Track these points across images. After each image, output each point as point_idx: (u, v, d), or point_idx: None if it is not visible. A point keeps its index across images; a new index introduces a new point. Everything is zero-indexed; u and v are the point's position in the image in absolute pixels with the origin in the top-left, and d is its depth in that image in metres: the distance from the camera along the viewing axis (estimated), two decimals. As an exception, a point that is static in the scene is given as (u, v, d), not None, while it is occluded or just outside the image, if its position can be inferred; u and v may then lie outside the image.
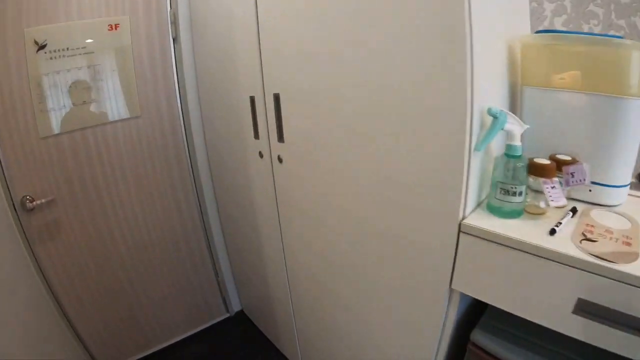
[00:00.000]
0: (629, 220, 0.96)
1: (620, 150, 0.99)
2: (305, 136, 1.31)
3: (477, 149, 0.92)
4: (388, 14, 0.92)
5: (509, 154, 0.94)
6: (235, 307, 2.60)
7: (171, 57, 1.99)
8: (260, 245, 1.87)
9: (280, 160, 1.44)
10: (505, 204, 0.95)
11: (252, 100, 1.50)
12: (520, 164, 0.93)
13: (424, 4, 0.84)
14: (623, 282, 0.73)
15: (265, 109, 1.45)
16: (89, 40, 1.79)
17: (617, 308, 0.75)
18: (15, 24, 1.62)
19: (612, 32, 1.38)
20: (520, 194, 0.93)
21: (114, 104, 1.87)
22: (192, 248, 2.30)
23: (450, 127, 0.88)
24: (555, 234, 0.87)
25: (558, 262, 0.80)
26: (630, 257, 0.79)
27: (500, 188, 0.94)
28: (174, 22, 1.94)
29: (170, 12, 1.93)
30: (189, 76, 2.03)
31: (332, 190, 1.27)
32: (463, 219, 0.94)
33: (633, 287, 0.72)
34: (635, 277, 0.72)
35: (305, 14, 1.16)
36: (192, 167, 2.18)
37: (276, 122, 1.39)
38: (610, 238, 0.87)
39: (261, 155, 1.55)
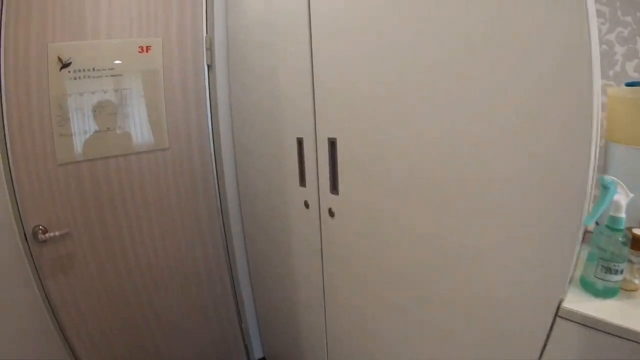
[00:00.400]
0: None
1: None
2: (367, 191, 1.14)
3: (586, 222, 0.78)
4: (490, 65, 0.78)
5: (614, 227, 0.81)
6: (257, 353, 2.38)
7: (204, 86, 1.85)
8: (296, 292, 1.70)
9: (331, 214, 1.27)
10: (604, 282, 0.82)
11: (300, 142, 1.35)
12: (623, 238, 0.81)
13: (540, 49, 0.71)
14: None
15: (317, 154, 1.29)
16: (117, 62, 1.65)
17: None
18: (39, 37, 1.50)
19: None
20: (622, 271, 0.81)
21: (140, 133, 1.73)
22: (214, 289, 2.11)
23: (566, 195, 0.74)
24: None
25: None
26: None
27: (602, 265, 0.81)
28: (210, 49, 1.81)
29: (206, 37, 1.80)
30: (223, 108, 1.87)
31: (397, 255, 1.10)
32: (561, 301, 0.79)
33: None
34: None
35: (380, 47, 1.01)
36: (221, 206, 2.01)
37: (330, 171, 1.23)
38: None
39: (307, 205, 1.38)
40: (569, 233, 0.76)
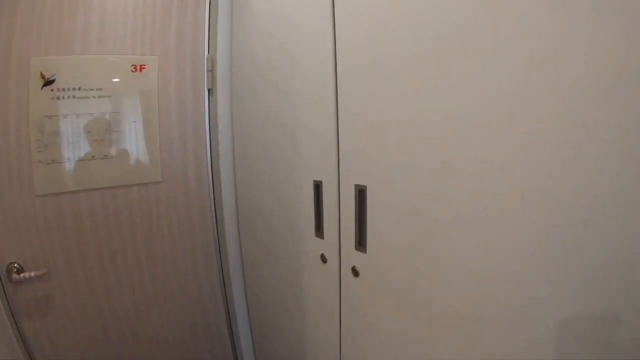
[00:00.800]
0: None
1: None
2: (404, 254, 0.94)
3: None
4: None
5: None
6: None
7: (204, 113, 1.65)
8: (305, 356, 1.46)
9: (355, 273, 1.07)
10: None
11: (318, 187, 1.17)
12: None
13: None
14: None
15: (339, 202, 1.10)
16: (107, 81, 1.47)
17: None
18: (20, 49, 1.32)
19: None
20: None
21: (130, 163, 1.53)
22: (212, 346, 1.86)
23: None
24: None
25: None
26: None
27: None
28: (212, 70, 1.62)
29: (207, 57, 1.62)
30: (225, 139, 1.67)
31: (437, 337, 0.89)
32: None
33: None
34: None
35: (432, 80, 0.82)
36: (220, 256, 1.78)
37: (356, 225, 1.04)
38: None
39: (324, 259, 1.19)
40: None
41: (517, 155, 0.68)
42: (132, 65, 1.50)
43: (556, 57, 0.61)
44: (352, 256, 1.09)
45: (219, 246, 1.76)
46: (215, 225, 1.74)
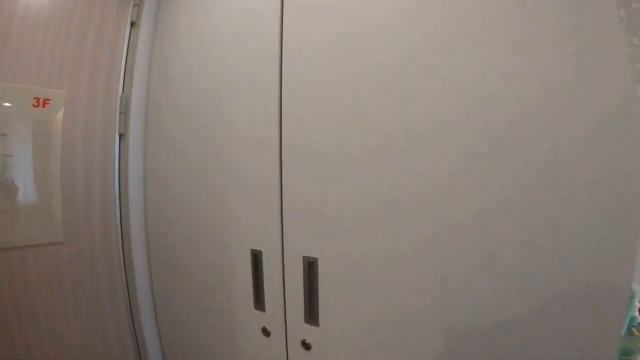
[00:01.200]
0: None
1: None
2: (363, 327, 0.91)
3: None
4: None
5: (632, 324, 0.90)
6: None
7: (114, 160, 1.45)
8: None
9: (307, 346, 1.00)
10: None
11: (257, 258, 1.09)
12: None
13: None
14: None
15: (283, 274, 1.03)
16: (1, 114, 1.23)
17: None
18: None
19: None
20: None
21: (25, 219, 1.27)
22: None
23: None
24: None
25: None
26: None
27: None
28: (124, 113, 1.44)
29: (121, 97, 1.45)
30: (135, 189, 1.46)
31: None
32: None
33: None
34: None
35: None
36: (133, 318, 1.50)
37: (305, 297, 0.98)
38: None
39: (266, 333, 1.10)
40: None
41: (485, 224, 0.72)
42: (35, 98, 1.27)
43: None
44: (302, 330, 1.02)
45: (130, 304, 1.50)
46: (125, 283, 1.49)
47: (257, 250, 1.09)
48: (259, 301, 1.10)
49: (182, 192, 1.33)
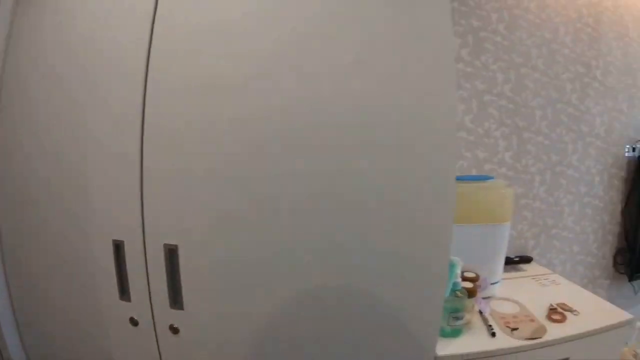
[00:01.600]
0: (515, 303, 1.38)
1: (498, 258, 1.40)
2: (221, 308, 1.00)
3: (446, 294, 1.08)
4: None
5: (454, 289, 1.13)
6: None
7: None
8: None
9: (175, 330, 1.03)
10: (454, 327, 1.14)
11: (119, 248, 1.05)
12: (463, 294, 1.14)
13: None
14: (545, 347, 1.14)
15: (146, 262, 1.03)
16: None
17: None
18: None
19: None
20: (464, 316, 1.15)
21: None
22: None
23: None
24: (496, 335, 1.15)
25: (513, 354, 1.10)
26: (542, 330, 1.19)
27: (452, 316, 1.12)
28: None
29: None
30: None
31: None
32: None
33: (552, 346, 1.15)
34: (553, 340, 1.16)
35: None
36: None
37: (168, 283, 1.00)
38: (522, 321, 1.23)
39: (134, 322, 1.09)
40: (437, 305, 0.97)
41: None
42: None
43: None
44: (169, 315, 1.04)
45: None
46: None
47: (119, 241, 1.06)
48: (124, 292, 1.09)
49: (37, 179, 1.19)
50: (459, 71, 1.69)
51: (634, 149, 2.37)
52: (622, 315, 1.35)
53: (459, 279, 1.16)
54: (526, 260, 1.93)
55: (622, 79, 2.38)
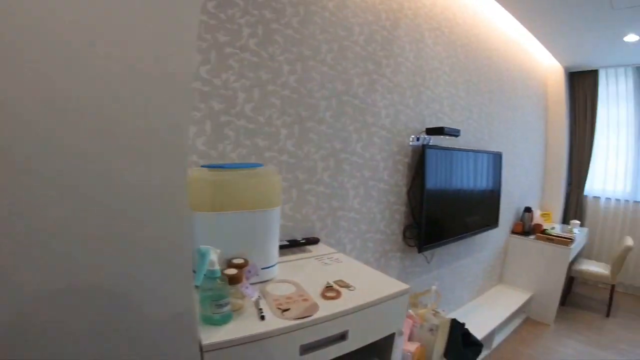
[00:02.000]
0: (292, 284, 1.42)
1: (270, 242, 1.44)
2: None
3: (197, 283, 1.09)
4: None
5: (213, 276, 1.12)
6: None
7: None
8: None
9: None
10: (220, 314, 1.12)
11: None
12: (222, 281, 1.14)
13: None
14: (318, 324, 1.19)
15: None
16: None
17: (321, 337, 1.21)
18: None
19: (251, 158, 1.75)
20: (228, 302, 1.14)
21: None
22: None
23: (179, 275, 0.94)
24: (266, 318, 1.16)
25: (284, 334, 1.13)
26: (314, 308, 1.24)
27: (215, 304, 1.11)
28: None
29: None
30: None
31: None
32: (201, 341, 1.02)
33: (323, 323, 1.21)
34: (325, 316, 1.21)
35: None
36: None
37: None
38: (295, 301, 1.27)
39: None
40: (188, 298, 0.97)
41: None
42: None
43: None
44: None
45: None
46: None
47: None
48: None
49: None
50: (243, 60, 1.73)
51: (418, 139, 2.77)
52: (398, 286, 1.48)
53: (217, 267, 1.13)
54: (313, 241, 2.01)
55: (412, 78, 2.72)
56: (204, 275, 1.12)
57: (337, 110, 2.16)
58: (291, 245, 1.90)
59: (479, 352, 2.78)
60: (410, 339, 2.48)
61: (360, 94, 2.29)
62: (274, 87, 1.86)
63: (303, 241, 1.97)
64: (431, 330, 2.44)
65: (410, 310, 2.58)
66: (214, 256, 1.13)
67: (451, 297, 3.54)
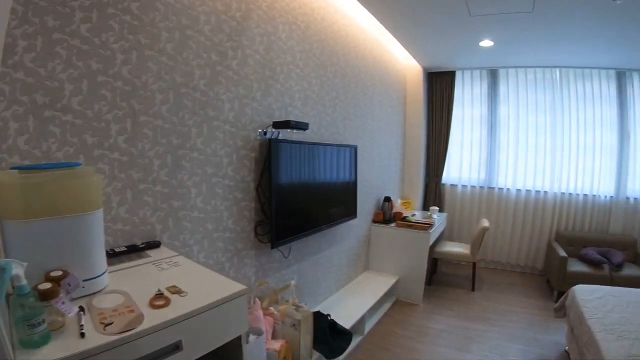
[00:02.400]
0: (121, 295, 1.30)
1: (95, 249, 1.32)
2: None
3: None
4: None
5: (21, 293, 1.00)
6: None
7: None
8: None
9: None
10: (38, 334, 1.01)
11: None
12: (33, 298, 1.02)
13: None
14: (143, 337, 1.12)
15: None
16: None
17: (151, 350, 1.14)
18: None
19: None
20: (43, 321, 1.02)
21: None
22: None
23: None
24: (86, 335, 1.06)
25: (107, 351, 1.04)
26: (139, 319, 1.15)
27: (27, 325, 0.99)
28: None
29: None
30: None
31: None
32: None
33: (151, 334, 1.14)
34: (151, 327, 1.14)
35: None
36: None
37: None
38: (120, 314, 1.17)
39: None
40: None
41: None
42: None
43: None
44: None
45: None
46: None
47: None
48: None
49: None
50: (72, 47, 1.55)
51: (265, 133, 2.71)
52: (235, 287, 1.44)
53: (24, 282, 1.01)
54: (154, 245, 1.90)
55: (260, 70, 2.70)
56: (16, 293, 1.00)
57: (175, 104, 2.06)
58: (130, 251, 1.78)
59: (349, 340, 2.94)
60: (273, 336, 2.51)
61: (202, 87, 2.21)
62: (105, 77, 1.70)
63: (143, 246, 1.85)
64: (294, 325, 2.48)
65: (271, 308, 2.62)
66: (18, 270, 1.01)
67: (317, 288, 3.58)
